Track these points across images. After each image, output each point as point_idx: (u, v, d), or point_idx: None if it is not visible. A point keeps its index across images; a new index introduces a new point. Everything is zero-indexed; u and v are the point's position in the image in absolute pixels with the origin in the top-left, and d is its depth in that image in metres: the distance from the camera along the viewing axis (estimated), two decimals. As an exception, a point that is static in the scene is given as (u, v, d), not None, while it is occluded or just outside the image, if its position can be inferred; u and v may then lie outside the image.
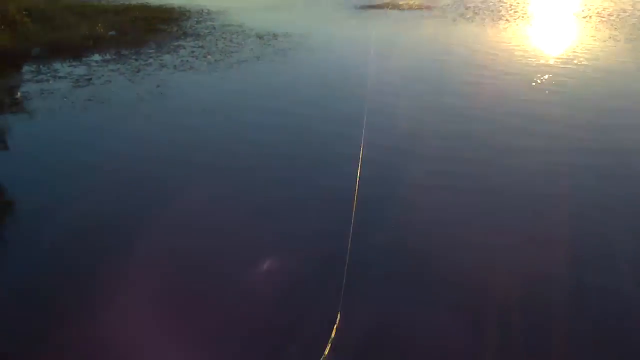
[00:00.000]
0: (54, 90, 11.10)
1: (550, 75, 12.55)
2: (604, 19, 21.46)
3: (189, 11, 23.54)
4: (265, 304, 4.59)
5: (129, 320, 4.35)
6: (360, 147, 6.72)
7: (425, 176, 7.07)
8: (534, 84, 11.87)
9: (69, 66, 13.34)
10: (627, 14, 23.22)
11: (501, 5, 25.50)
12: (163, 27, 19.05)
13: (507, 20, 21.39)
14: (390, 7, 23.93)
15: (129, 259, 5.18)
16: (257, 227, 5.82)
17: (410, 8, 24.31)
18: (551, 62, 14.09)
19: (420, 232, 5.80)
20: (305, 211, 6.23)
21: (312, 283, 4.87)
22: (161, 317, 4.36)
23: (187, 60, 13.86)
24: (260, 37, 17.18)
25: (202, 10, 23.82)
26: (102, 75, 12.31)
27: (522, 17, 22.37)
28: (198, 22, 20.57)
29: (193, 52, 14.97)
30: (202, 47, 15.66)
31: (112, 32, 17.24)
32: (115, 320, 4.36)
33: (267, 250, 5.36)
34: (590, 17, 22.20)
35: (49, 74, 12.48)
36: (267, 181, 7.00)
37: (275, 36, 17.27)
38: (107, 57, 14.42)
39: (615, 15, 22.15)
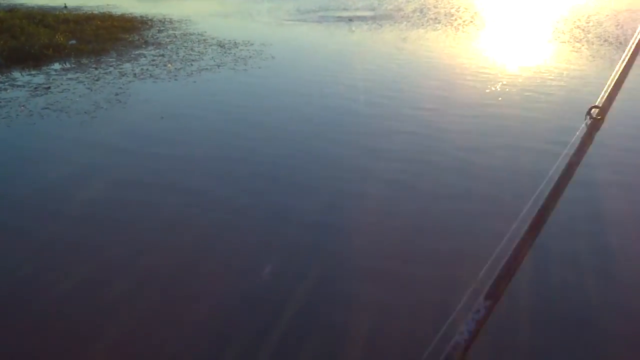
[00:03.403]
0: (11, 99, 11.13)
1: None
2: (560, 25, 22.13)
3: (151, 20, 23.66)
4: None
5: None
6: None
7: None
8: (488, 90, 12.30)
9: (28, 75, 13.36)
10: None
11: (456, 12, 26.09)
12: (124, 36, 19.13)
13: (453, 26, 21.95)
14: (351, 17, 24.26)
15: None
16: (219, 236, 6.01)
17: (370, 17, 24.68)
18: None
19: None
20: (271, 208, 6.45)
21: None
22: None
23: (147, 69, 13.98)
24: (221, 45, 17.39)
25: (165, 19, 23.96)
26: (61, 84, 12.37)
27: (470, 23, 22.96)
28: (160, 31, 20.69)
29: (154, 60, 15.10)
30: (162, 55, 15.80)
31: (73, 41, 17.26)
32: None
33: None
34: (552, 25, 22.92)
35: (6, 83, 12.50)
36: (231, 189, 7.19)
37: (236, 44, 17.49)
38: (67, 65, 14.47)
39: (565, 23, 22.81)
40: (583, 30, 19.53)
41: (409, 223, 6.04)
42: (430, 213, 6.28)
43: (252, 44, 17.51)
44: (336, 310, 4.54)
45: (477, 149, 8.30)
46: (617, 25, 20.36)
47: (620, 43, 16.93)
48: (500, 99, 11.17)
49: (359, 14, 25.58)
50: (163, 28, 21.39)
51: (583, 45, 16.85)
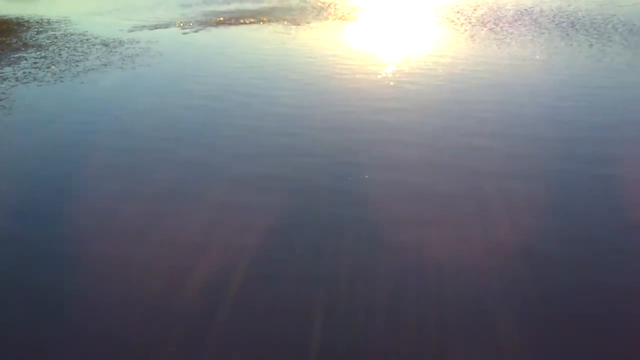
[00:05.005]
0: None
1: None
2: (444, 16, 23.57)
3: (27, 22, 22.71)
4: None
5: None
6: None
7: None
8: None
9: None
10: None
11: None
12: (1, 39, 18.34)
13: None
14: (238, 14, 24.35)
15: None
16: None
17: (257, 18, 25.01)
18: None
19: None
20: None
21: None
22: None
23: (30, 72, 13.65)
24: (106, 44, 17.15)
25: (42, 20, 23.05)
26: None
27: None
28: (38, 32, 19.98)
29: (36, 63, 14.72)
30: (45, 57, 15.40)
31: (-57, 47, 16.41)
32: None
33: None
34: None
35: None
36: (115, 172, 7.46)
37: (121, 43, 17.31)
38: (-61, 72, 13.82)
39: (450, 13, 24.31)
40: (463, 15, 21.48)
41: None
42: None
43: (138, 42, 17.39)
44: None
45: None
46: (492, 9, 22.59)
47: (496, 24, 18.97)
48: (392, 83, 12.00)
49: (242, 7, 25.86)
50: (42, 29, 20.65)
51: (463, 27, 18.64)
